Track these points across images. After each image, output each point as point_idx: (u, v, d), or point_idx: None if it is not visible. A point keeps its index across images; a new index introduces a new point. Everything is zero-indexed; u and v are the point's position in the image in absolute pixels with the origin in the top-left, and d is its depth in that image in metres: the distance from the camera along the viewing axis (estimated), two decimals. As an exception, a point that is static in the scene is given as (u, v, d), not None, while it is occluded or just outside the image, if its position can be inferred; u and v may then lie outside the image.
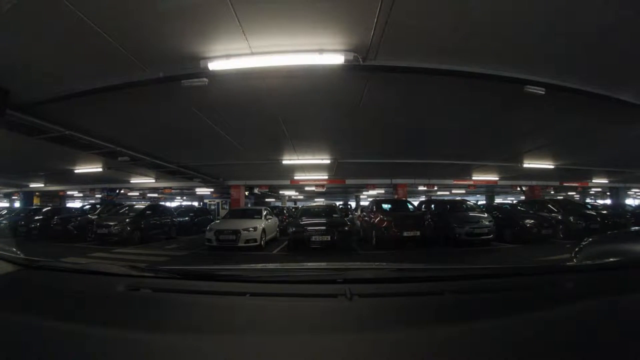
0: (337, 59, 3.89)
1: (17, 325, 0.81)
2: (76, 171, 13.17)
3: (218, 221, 10.41)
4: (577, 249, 2.83)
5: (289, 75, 4.46)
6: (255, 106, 5.97)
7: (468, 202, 11.43)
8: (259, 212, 10.06)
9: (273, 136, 8.27)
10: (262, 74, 4.37)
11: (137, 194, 24.31)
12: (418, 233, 8.16)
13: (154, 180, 17.03)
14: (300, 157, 10.93)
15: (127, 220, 10.32)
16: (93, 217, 11.84)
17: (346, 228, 8.25)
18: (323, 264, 1.80)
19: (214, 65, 3.96)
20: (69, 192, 21.85)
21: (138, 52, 4.02)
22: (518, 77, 4.43)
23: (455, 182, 17.10)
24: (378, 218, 8.96)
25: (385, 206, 10.24)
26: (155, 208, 12.34)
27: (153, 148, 9.77)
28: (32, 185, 18.71)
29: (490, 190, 25.18)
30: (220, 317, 0.87)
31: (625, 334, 0.75)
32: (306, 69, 4.19)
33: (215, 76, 4.24)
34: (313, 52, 3.83)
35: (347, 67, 4.07)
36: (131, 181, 17.36)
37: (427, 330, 0.76)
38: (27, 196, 20.31)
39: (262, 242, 8.88)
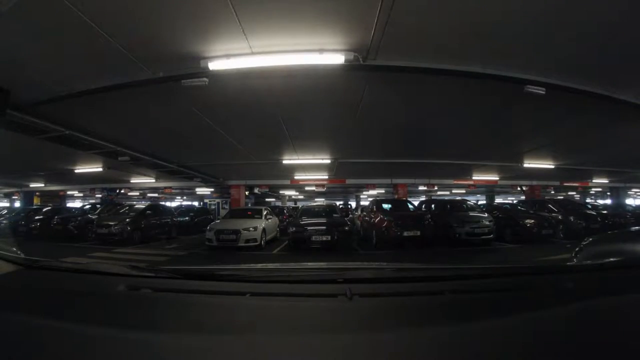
0: (338, 58, 3.89)
1: (17, 325, 0.81)
2: (76, 171, 13.17)
3: (218, 221, 10.40)
4: (577, 249, 2.83)
5: (289, 75, 4.46)
6: (255, 106, 5.98)
7: (468, 202, 11.42)
8: (259, 212, 10.06)
9: (273, 136, 8.27)
10: (262, 74, 4.36)
11: (138, 193, 24.31)
12: (418, 233, 8.14)
13: (154, 180, 17.04)
14: (300, 157, 10.93)
15: (128, 220, 10.31)
16: (93, 217, 11.83)
17: (346, 228, 8.25)
18: (323, 264, 1.79)
19: (214, 65, 3.95)
20: (69, 192, 21.83)
21: (138, 52, 4.01)
22: (518, 77, 4.42)
23: (455, 182, 17.08)
24: (378, 218, 8.96)
25: (386, 206, 10.23)
26: (155, 208, 12.33)
27: (153, 148, 9.77)
28: (32, 185, 18.72)
29: (490, 190, 25.18)
30: (220, 317, 0.87)
31: (625, 334, 0.75)
32: (307, 69, 4.19)
33: (215, 76, 4.23)
34: (313, 51, 3.82)
35: (347, 67, 4.06)
36: (131, 181, 17.37)
37: (427, 330, 0.76)
38: (28, 196, 20.32)
39: (263, 242, 8.88)
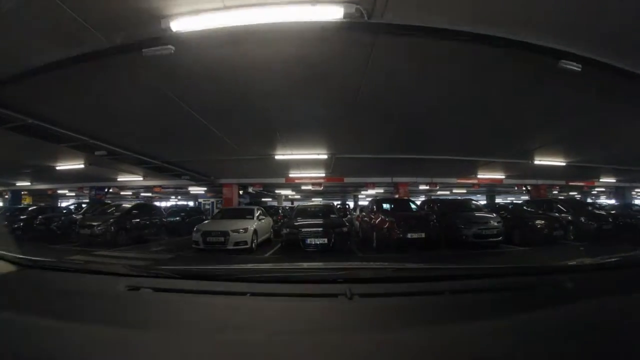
0: (335, 12, 3.06)
1: (17, 325, 0.84)
2: (57, 168, 12.52)
3: (207, 222, 9.89)
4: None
5: (272, 38, 3.62)
6: (233, 83, 5.03)
7: (474, 202, 10.89)
8: (251, 212, 9.50)
9: (258, 122, 7.25)
10: (237, 37, 3.54)
11: (130, 193, 23.70)
12: (423, 235, 7.47)
13: (141, 178, 16.32)
14: (293, 152, 10.23)
15: (112, 220, 9.73)
16: (77, 217, 11.52)
17: (344, 229, 7.64)
18: (323, 264, 1.76)
19: (177, 25, 3.16)
20: (60, 191, 21.25)
21: (89, 15, 3.29)
22: (553, 46, 3.64)
23: (459, 181, 16.53)
24: (379, 218, 8.32)
25: (386, 205, 9.65)
26: (142, 207, 11.80)
27: (129, 141, 8.99)
28: (19, 183, 18.07)
29: (490, 190, 24.70)
30: (220, 317, 0.90)
31: (625, 334, 0.77)
32: (295, 30, 3.40)
33: (182, 42, 3.46)
34: (304, 2, 3.00)
35: (347, 25, 3.26)
36: (118, 179, 16.64)
37: (427, 330, 0.79)
38: (15, 195, 19.81)
39: (254, 245, 8.20)
